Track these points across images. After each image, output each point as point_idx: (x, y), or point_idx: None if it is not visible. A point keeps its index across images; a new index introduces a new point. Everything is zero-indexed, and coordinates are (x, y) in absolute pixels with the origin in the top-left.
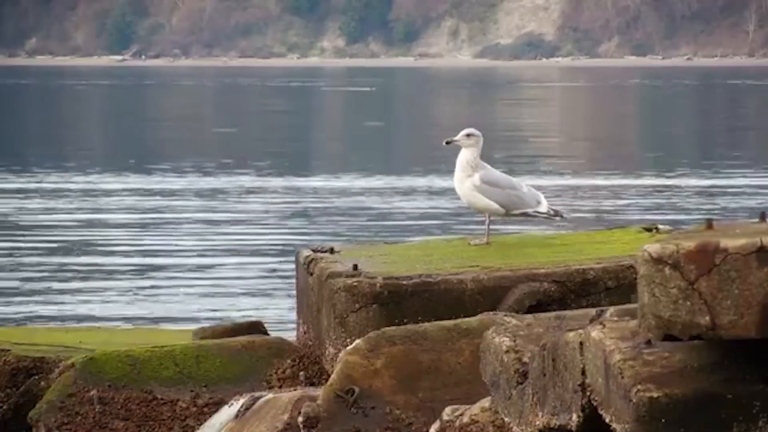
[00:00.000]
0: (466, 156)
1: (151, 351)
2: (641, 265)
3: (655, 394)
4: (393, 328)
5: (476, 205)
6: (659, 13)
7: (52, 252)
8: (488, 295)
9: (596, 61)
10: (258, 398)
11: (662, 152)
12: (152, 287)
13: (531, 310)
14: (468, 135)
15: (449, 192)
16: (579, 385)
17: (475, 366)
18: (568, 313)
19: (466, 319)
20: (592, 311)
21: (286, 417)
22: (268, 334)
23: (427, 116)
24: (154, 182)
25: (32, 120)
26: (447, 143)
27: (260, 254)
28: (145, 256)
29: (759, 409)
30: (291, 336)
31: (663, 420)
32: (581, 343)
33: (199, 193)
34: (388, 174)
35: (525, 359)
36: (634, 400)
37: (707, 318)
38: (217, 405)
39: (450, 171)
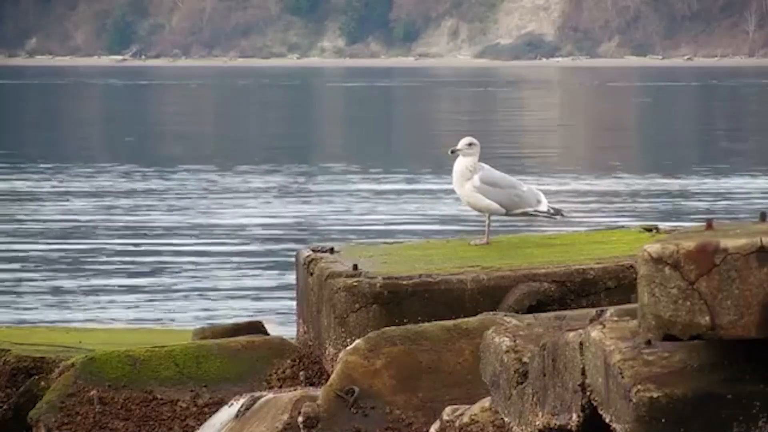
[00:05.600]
0: (465, 162)
1: (151, 351)
2: (641, 265)
3: (655, 394)
4: (393, 328)
5: (477, 206)
6: (659, 13)
7: (52, 251)
8: (488, 295)
9: (596, 61)
10: (258, 398)
11: (662, 152)
12: (152, 287)
13: (531, 310)
14: (469, 144)
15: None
16: (579, 385)
17: (475, 366)
18: (568, 313)
19: (466, 319)
20: (592, 311)
21: (286, 417)
22: (268, 334)
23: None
24: (153, 182)
25: (32, 119)
26: (452, 152)
27: (260, 254)
28: (145, 256)
29: (759, 409)
30: (291, 336)
31: (663, 420)
32: (581, 343)
33: (200, 193)
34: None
35: (525, 359)
36: (634, 400)
37: (707, 318)
38: (217, 405)
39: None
